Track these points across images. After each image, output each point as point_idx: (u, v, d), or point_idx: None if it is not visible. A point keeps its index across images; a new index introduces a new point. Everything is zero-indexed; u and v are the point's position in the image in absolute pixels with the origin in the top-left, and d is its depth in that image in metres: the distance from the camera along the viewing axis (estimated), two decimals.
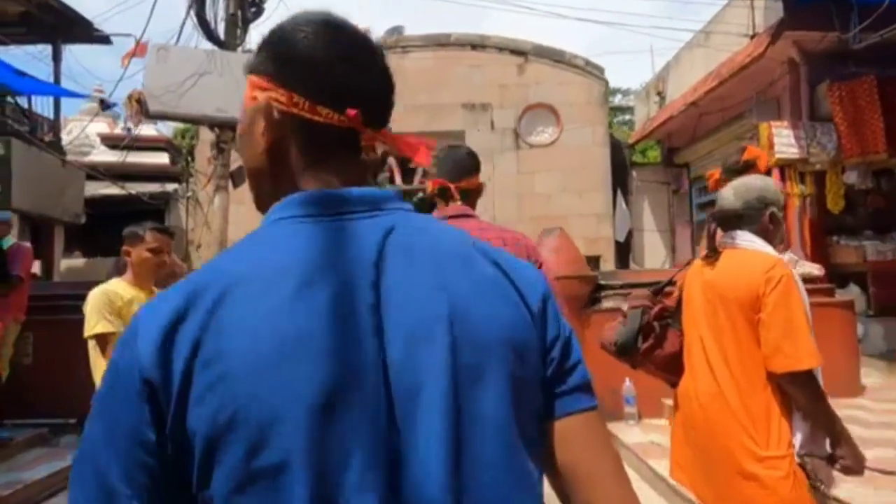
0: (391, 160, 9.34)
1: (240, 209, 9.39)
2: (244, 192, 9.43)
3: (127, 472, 0.41)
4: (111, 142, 13.34)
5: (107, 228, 12.21)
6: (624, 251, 8.88)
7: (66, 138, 16.07)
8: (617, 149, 8.97)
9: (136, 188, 12.35)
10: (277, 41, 0.54)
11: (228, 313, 0.42)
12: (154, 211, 10.95)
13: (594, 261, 8.70)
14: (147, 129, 13.40)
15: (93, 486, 0.42)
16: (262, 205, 0.55)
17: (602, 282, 3.88)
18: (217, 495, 0.41)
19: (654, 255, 9.09)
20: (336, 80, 0.52)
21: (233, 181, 4.25)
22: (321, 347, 0.42)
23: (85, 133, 13.43)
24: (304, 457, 0.40)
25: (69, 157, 12.73)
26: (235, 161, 4.87)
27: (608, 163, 8.74)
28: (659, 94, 8.49)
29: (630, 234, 8.99)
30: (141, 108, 3.90)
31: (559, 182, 8.74)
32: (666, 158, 9.05)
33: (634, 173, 9.27)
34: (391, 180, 9.41)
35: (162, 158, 12.48)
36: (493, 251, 0.53)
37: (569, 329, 0.54)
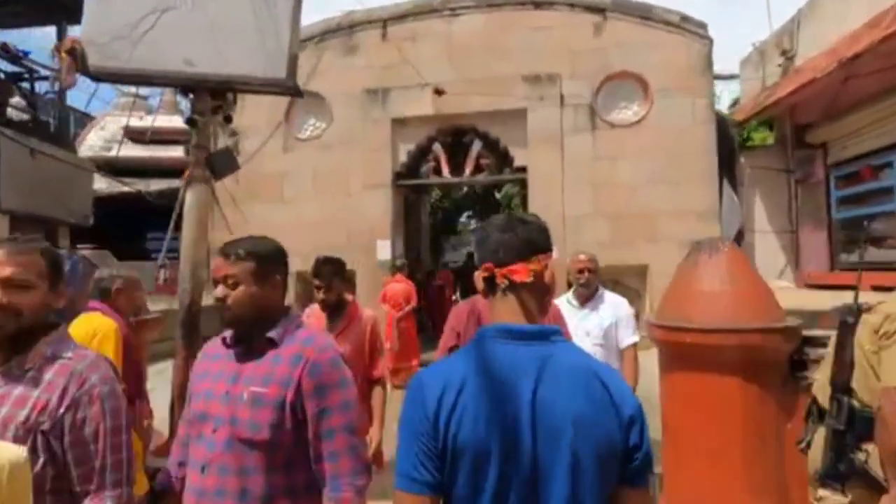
0: (437, 147, 7.90)
1: (255, 208, 8.27)
2: (264, 186, 8.21)
3: (424, 454, 0.94)
4: (135, 135, 12.45)
5: (123, 229, 11.50)
6: None
7: (97, 136, 15.41)
8: (721, 127, 7.18)
9: (156, 185, 11.54)
10: (478, 234, 1.12)
11: (465, 391, 0.94)
12: (170, 210, 10.09)
13: None
14: (174, 121, 12.60)
15: (409, 455, 0.95)
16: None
17: (808, 332, 2.30)
18: (455, 476, 0.93)
19: (769, 263, 7.25)
20: (488, 247, 1.05)
21: (212, 170, 2.89)
22: (504, 423, 0.92)
23: (118, 128, 12.81)
24: (495, 471, 0.91)
25: (90, 154, 12.09)
26: (221, 140, 3.48)
27: (713, 145, 6.97)
28: (784, 53, 6.65)
29: (740, 236, 7.20)
30: (76, 62, 2.60)
31: (647, 170, 7.06)
32: (788, 138, 7.19)
33: (742, 158, 7.46)
34: (437, 171, 7.97)
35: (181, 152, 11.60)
36: (605, 374, 0.97)
37: (648, 436, 0.95)
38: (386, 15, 7.93)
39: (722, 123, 7.23)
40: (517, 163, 7.56)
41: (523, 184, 7.86)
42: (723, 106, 8.96)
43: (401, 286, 7.01)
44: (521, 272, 0.99)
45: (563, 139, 7.29)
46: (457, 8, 7.63)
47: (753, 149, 7.76)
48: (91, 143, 14.42)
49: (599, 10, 7.26)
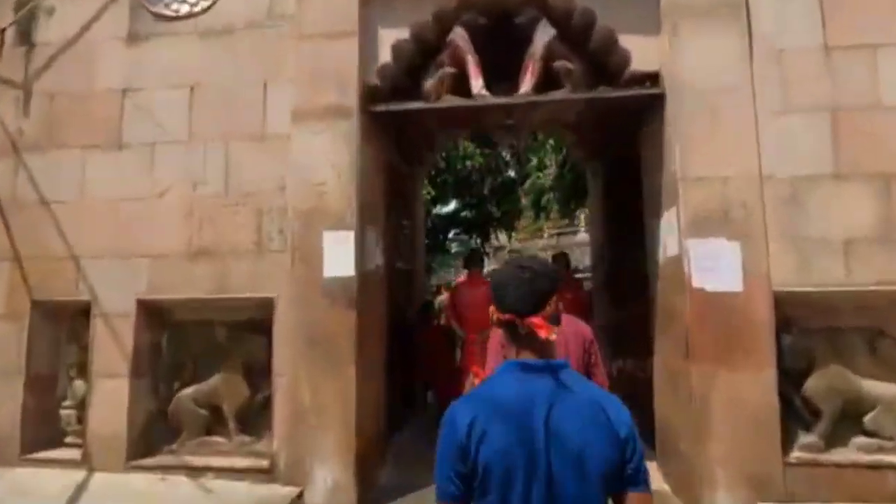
0: (458, 35, 3.79)
1: (62, 163, 3.76)
2: (83, 118, 3.69)
3: (454, 473, 1.12)
4: None
5: None
6: None
7: None
8: None
9: None
10: (493, 280, 1.27)
11: (492, 421, 1.11)
12: None
13: None
14: None
15: (443, 474, 1.14)
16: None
17: None
18: (487, 489, 1.11)
19: None
20: (508, 299, 1.21)
21: None
22: (524, 444, 1.10)
23: None
24: (520, 484, 1.09)
25: None
26: None
27: None
28: None
29: None
30: None
31: None
32: None
33: None
34: (457, 86, 3.84)
35: None
36: (604, 400, 1.16)
37: (641, 450, 1.15)
38: None
39: None
40: (637, 66, 3.54)
41: (647, 111, 3.82)
42: None
43: (483, 290, 4.02)
44: (544, 329, 1.18)
45: (748, 11, 3.33)
46: None
47: None
48: None
49: None
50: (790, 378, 3.22)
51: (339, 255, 3.40)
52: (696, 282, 3.15)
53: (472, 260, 4.92)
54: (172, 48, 3.83)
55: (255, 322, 3.59)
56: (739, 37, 3.30)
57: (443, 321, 5.56)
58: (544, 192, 9.93)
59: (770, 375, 3.07)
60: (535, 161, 10.13)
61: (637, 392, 4.29)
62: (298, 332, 3.39)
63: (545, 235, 20.36)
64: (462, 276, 4.52)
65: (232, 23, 3.79)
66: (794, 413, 3.23)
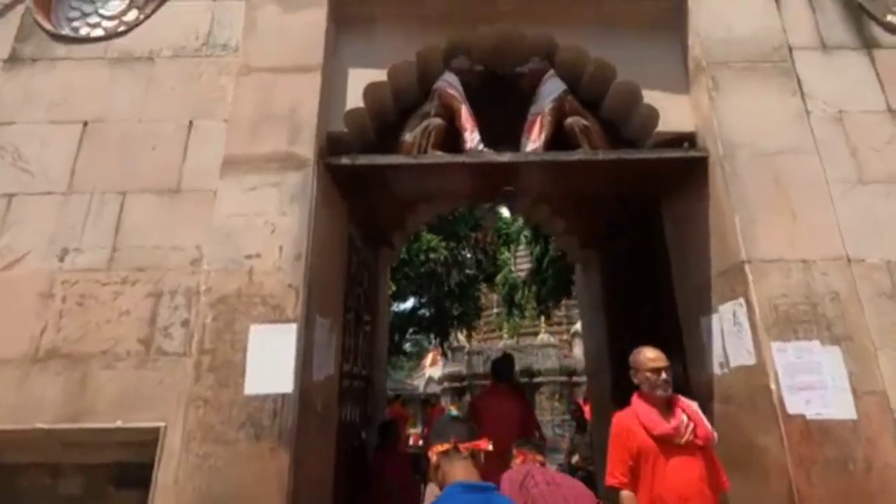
0: (448, 82, 3.07)
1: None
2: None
3: None
4: None
5: None
6: None
7: None
8: None
9: None
10: (441, 427, 1.73)
11: None
12: None
13: None
14: None
15: None
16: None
17: None
18: None
19: None
20: (456, 430, 1.65)
21: None
22: None
23: None
24: None
25: None
26: None
27: None
28: None
29: None
30: None
31: None
32: None
33: None
34: (444, 141, 3.03)
35: None
36: None
37: None
38: None
39: None
40: (665, 126, 2.89)
41: (679, 179, 3.13)
42: None
43: (511, 405, 3.72)
44: (483, 444, 1.62)
45: (796, 69, 2.82)
46: None
47: None
48: None
49: None
50: None
51: (272, 361, 2.25)
52: (792, 406, 2.22)
53: (503, 370, 3.97)
54: (68, 75, 2.87)
55: (128, 468, 2.28)
56: (790, 94, 2.74)
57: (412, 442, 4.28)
58: (518, 287, 9.16)
59: None
60: (505, 254, 9.49)
61: None
62: (194, 487, 2.11)
63: (505, 336, 19.40)
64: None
65: (157, 49, 2.92)
66: None
